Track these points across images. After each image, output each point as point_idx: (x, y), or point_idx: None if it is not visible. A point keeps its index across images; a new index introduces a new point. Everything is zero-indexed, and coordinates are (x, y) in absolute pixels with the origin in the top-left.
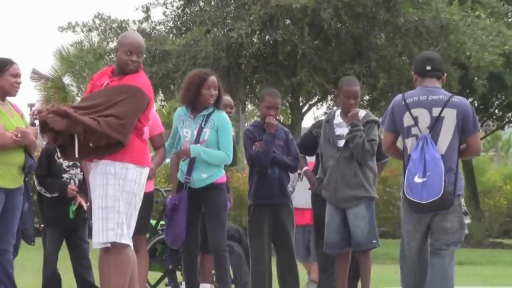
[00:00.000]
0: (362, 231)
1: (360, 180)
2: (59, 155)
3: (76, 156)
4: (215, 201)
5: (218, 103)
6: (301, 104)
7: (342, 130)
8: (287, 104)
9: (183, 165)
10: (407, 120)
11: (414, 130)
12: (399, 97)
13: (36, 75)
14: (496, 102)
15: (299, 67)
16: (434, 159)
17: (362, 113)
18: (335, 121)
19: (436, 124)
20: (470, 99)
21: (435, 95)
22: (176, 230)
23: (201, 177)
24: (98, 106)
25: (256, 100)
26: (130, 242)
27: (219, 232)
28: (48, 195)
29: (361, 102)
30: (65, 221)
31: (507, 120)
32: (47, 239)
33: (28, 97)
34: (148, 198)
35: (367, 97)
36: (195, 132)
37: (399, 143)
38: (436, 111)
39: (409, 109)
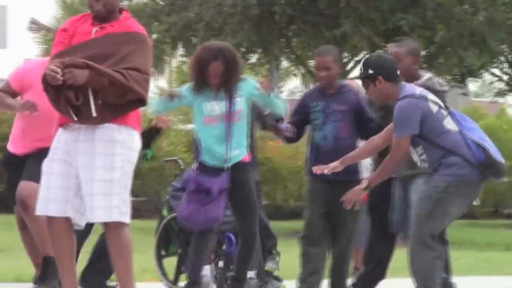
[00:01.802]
0: None
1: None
2: (75, 118)
3: (94, 114)
4: (247, 183)
5: (227, 83)
6: (345, 60)
7: None
8: None
9: (210, 139)
10: (433, 107)
11: (443, 111)
12: (409, 98)
13: (35, 26)
14: None
15: (343, 17)
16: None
17: (425, 76)
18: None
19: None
20: None
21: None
22: (218, 210)
23: (234, 154)
24: (108, 57)
25: (293, 56)
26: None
27: (253, 218)
28: None
29: None
30: None
31: None
32: None
33: (25, 50)
34: None
35: (423, 52)
36: (226, 104)
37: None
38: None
39: (427, 98)
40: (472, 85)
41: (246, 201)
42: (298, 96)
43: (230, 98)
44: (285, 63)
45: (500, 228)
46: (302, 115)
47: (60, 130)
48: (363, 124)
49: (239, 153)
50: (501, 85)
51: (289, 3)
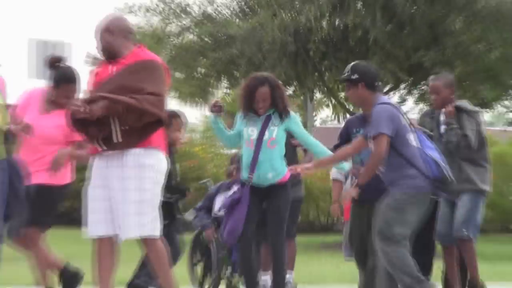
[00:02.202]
0: (458, 218)
1: (466, 175)
2: (104, 148)
3: (118, 140)
4: (278, 200)
5: (279, 106)
6: None
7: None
8: None
9: (248, 160)
10: (403, 120)
11: (409, 127)
12: (388, 105)
13: (91, 59)
14: None
15: (371, 54)
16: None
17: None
18: (441, 118)
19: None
20: None
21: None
22: (233, 222)
23: (267, 177)
24: (125, 87)
25: (325, 89)
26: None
27: (279, 230)
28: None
29: None
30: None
31: None
32: None
33: (83, 83)
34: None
35: None
36: (260, 130)
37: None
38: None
39: (400, 110)
40: (486, 115)
41: (273, 215)
42: (329, 124)
43: (265, 124)
44: (318, 95)
45: (508, 242)
46: (345, 140)
47: (94, 158)
48: None
49: (273, 176)
50: None
51: (323, 41)
